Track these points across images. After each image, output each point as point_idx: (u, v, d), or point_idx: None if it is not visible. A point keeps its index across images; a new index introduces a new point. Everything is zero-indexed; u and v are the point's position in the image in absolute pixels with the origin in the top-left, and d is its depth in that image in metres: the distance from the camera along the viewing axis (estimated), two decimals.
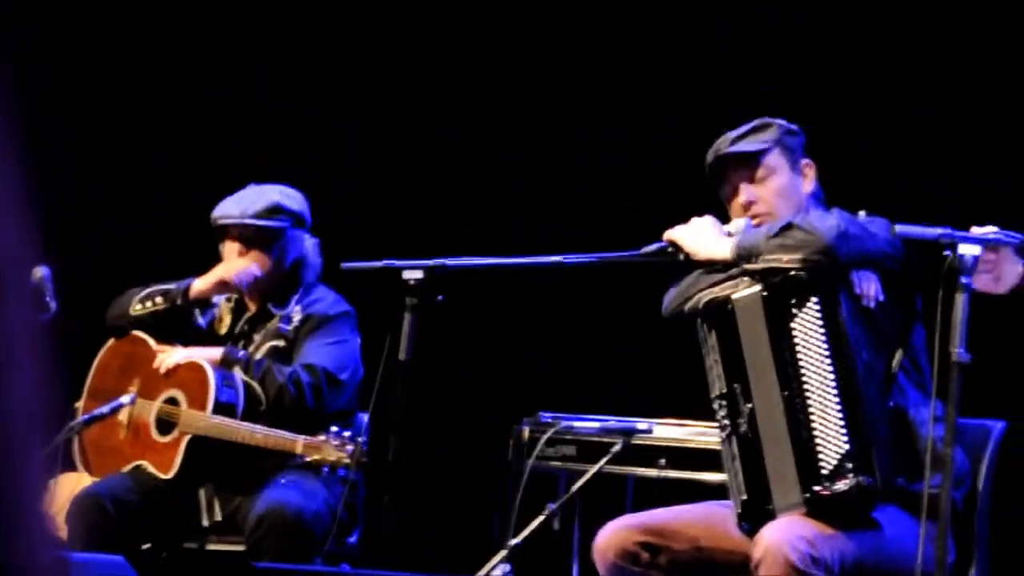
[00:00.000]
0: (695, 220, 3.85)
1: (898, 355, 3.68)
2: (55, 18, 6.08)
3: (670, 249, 3.84)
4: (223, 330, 4.85)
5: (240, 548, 4.53)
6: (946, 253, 3.27)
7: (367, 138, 6.12)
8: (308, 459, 4.45)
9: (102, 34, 6.19)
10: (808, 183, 3.89)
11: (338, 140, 6.10)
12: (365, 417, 4.64)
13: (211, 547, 4.64)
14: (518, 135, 5.96)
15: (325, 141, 6.10)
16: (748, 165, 3.87)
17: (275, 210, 4.74)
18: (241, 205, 4.74)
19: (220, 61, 6.17)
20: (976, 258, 3.21)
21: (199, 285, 4.78)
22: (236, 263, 4.75)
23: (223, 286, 4.78)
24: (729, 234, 3.82)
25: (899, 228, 3.34)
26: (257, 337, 4.78)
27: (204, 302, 4.84)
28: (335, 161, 6.07)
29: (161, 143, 6.20)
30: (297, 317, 4.75)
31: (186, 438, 4.59)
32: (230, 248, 4.76)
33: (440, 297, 3.79)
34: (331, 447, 4.45)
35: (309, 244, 4.83)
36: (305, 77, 6.10)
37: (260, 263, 4.73)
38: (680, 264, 3.83)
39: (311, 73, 6.10)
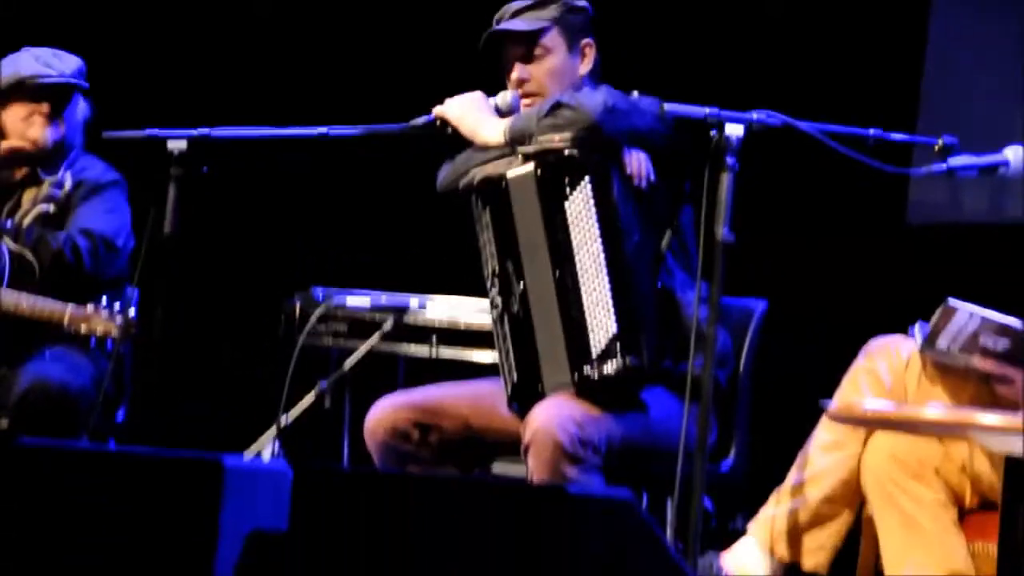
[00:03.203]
0: (463, 97, 3.77)
1: (667, 236, 3.68)
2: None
3: (439, 124, 3.76)
4: None
5: (2, 424, 4.42)
6: (712, 133, 3.25)
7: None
8: (76, 330, 4.35)
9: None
10: (586, 64, 3.83)
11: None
12: (135, 292, 4.55)
13: None
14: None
15: None
16: (524, 43, 3.79)
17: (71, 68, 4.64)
18: (38, 64, 4.60)
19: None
20: (740, 139, 3.19)
21: None
22: (28, 129, 4.60)
23: (13, 154, 4.62)
24: (497, 107, 3.76)
25: (668, 107, 3.32)
26: (25, 203, 4.64)
27: None
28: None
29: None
30: (68, 183, 4.64)
31: None
32: (16, 111, 4.61)
33: (205, 168, 3.67)
34: (99, 318, 4.37)
35: (82, 108, 4.70)
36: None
37: (52, 128, 4.61)
38: (449, 137, 3.76)
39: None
